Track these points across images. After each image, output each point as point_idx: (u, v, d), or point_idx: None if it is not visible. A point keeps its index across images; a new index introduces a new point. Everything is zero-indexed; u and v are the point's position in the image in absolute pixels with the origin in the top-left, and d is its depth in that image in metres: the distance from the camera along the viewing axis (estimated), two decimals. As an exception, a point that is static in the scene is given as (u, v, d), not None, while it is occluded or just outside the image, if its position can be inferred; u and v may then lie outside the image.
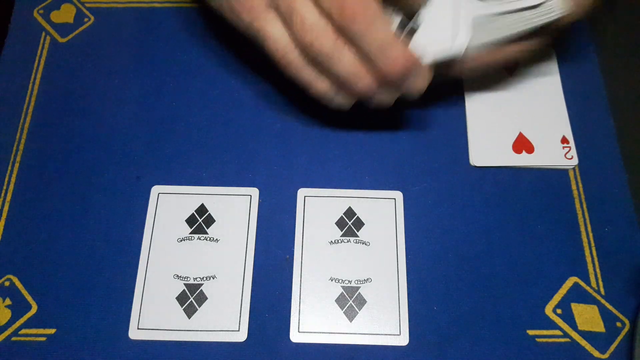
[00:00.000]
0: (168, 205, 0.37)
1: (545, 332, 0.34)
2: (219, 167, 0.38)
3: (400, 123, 0.40)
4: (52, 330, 0.34)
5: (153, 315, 0.34)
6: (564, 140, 0.39)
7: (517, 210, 0.37)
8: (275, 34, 0.31)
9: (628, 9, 0.45)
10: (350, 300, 0.34)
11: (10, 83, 0.41)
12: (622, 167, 0.38)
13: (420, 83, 0.32)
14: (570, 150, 0.38)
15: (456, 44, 0.31)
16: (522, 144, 0.39)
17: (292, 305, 0.34)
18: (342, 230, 0.36)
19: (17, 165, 0.38)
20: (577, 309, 0.34)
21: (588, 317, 0.34)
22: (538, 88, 0.41)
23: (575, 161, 0.38)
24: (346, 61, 0.30)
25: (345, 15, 0.28)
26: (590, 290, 0.35)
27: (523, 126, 0.39)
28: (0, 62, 0.42)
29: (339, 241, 0.36)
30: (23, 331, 0.34)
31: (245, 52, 0.42)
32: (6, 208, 0.37)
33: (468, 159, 0.39)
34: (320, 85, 0.32)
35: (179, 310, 0.34)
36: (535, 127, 0.39)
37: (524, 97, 0.41)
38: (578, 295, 0.35)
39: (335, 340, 0.33)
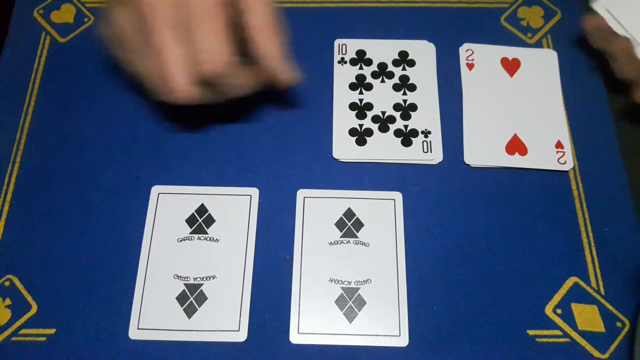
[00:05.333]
0: (168, 205, 0.37)
1: (545, 332, 0.34)
2: (219, 167, 0.38)
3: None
4: (52, 330, 0.34)
5: (153, 315, 0.34)
6: (559, 144, 0.39)
7: (517, 210, 0.37)
8: (118, 19, 0.33)
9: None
10: (350, 301, 0.34)
11: (10, 83, 0.41)
12: (621, 167, 0.38)
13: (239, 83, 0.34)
14: (564, 155, 0.38)
15: None
16: (515, 146, 0.38)
17: (291, 306, 0.34)
18: (341, 231, 0.36)
19: (17, 165, 0.38)
20: (577, 309, 0.34)
21: (588, 317, 0.34)
22: (538, 90, 0.41)
23: (568, 166, 0.38)
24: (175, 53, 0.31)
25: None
26: (590, 290, 0.35)
27: (519, 128, 0.39)
28: (0, 62, 0.42)
29: (339, 242, 0.36)
30: (23, 331, 0.34)
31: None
32: (6, 208, 0.37)
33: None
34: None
35: (179, 310, 0.34)
36: (532, 129, 0.39)
37: (523, 99, 0.40)
38: (578, 295, 0.35)
39: (335, 341, 0.33)
